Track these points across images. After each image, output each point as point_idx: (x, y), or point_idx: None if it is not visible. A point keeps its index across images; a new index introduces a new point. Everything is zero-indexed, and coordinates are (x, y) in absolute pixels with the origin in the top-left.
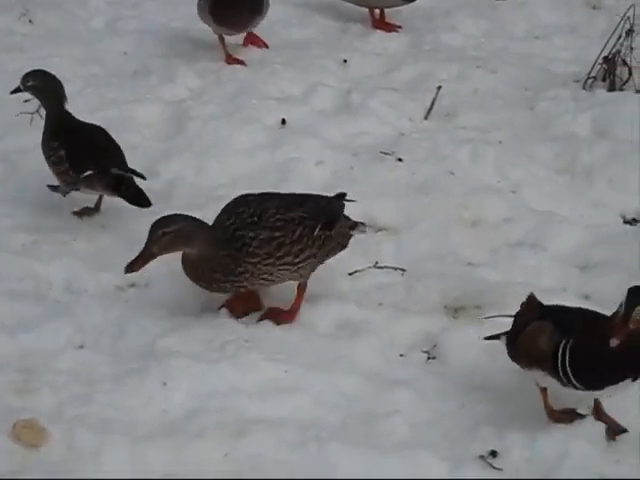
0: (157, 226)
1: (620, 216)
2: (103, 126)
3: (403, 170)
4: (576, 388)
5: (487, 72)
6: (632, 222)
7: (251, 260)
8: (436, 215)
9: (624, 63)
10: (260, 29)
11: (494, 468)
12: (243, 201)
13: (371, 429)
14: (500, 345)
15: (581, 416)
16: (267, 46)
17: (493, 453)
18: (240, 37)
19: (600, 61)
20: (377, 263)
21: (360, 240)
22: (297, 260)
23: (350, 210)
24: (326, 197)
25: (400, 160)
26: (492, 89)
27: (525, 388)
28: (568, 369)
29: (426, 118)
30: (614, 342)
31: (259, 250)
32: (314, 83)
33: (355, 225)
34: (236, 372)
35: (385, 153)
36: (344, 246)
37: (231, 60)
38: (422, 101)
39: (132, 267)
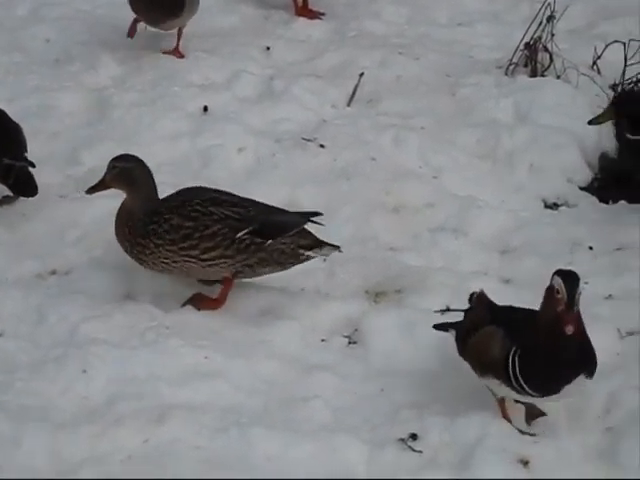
0: (114, 159)
1: (541, 200)
2: (23, 114)
3: (325, 156)
4: (532, 396)
5: (410, 59)
6: (553, 206)
7: (155, 240)
8: (358, 201)
9: (545, 49)
10: None
11: (414, 450)
12: (195, 189)
13: (291, 414)
14: (420, 329)
15: (540, 411)
16: (183, 56)
17: (413, 436)
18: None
19: (522, 47)
20: None
21: None
22: (204, 257)
23: (271, 196)
24: (283, 210)
25: (322, 146)
26: (415, 76)
27: (444, 372)
28: (520, 378)
29: (349, 104)
30: (570, 330)
31: (165, 234)
32: (237, 70)
33: (317, 245)
34: (156, 358)
35: (307, 139)
36: (283, 265)
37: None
38: (345, 88)
39: (90, 191)
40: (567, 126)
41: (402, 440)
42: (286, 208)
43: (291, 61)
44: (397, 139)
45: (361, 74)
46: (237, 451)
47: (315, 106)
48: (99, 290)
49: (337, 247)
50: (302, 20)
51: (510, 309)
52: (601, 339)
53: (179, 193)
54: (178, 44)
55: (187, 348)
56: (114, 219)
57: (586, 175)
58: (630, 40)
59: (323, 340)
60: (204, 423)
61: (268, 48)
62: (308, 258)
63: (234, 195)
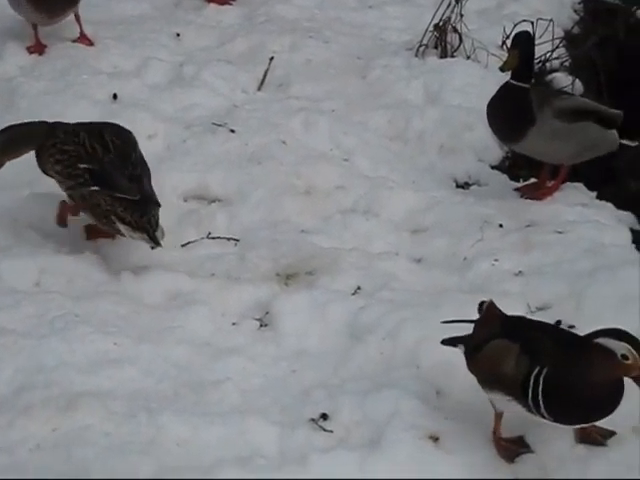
0: None
1: (452, 180)
2: None
3: (236, 141)
4: (544, 418)
5: (320, 42)
6: (464, 186)
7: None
8: (269, 184)
9: (454, 30)
10: (93, 5)
11: (325, 430)
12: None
13: (201, 397)
14: (331, 310)
15: (527, 447)
16: (92, 44)
17: (324, 416)
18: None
19: (431, 29)
20: (210, 234)
21: (193, 211)
22: (57, 168)
23: (182, 182)
24: (142, 180)
25: (233, 131)
26: (325, 59)
27: (355, 352)
28: (540, 401)
29: (259, 89)
30: None
31: (52, 149)
32: (147, 57)
33: (135, 227)
34: (65, 346)
35: (217, 125)
36: (99, 219)
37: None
38: (255, 72)
39: None
40: (477, 106)
41: (313, 420)
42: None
43: (202, 47)
44: (307, 122)
45: (271, 58)
46: (146, 436)
47: (226, 91)
48: (7, 280)
49: (155, 242)
50: (212, 6)
51: (522, 321)
52: (512, 313)
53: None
54: (82, 29)
55: (96, 335)
56: (21, 209)
57: (497, 154)
58: (538, 19)
59: (234, 324)
60: (113, 409)
61: (178, 35)
62: (118, 232)
63: (128, 146)
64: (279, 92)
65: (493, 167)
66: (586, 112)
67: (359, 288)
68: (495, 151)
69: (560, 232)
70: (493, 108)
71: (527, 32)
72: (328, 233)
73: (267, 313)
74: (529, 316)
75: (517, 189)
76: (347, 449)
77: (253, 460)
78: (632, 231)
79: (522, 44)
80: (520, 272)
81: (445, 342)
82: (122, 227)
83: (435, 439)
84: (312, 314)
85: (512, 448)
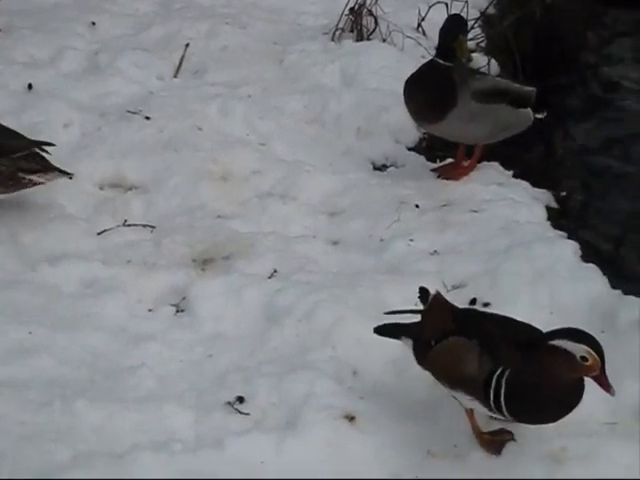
0: None
1: (370, 162)
2: None
3: (151, 128)
4: (504, 417)
5: (236, 28)
6: (382, 168)
7: None
8: (185, 171)
9: (370, 13)
10: None
11: (241, 413)
12: None
13: (117, 383)
14: (247, 294)
15: (510, 434)
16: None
17: (240, 399)
18: None
19: (347, 13)
20: (126, 221)
21: (109, 199)
22: None
23: (98, 170)
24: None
25: (148, 118)
26: (241, 45)
27: (271, 334)
28: (503, 403)
29: (175, 76)
30: (613, 392)
31: None
32: (62, 46)
33: (43, 170)
34: None
35: (133, 112)
36: (5, 187)
37: None
38: (171, 60)
39: None
40: (394, 88)
41: (229, 404)
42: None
43: (117, 35)
44: (224, 108)
45: (187, 45)
46: (61, 424)
47: (141, 79)
48: None
49: (68, 174)
50: None
51: (474, 315)
52: None
53: None
54: None
55: (11, 325)
56: None
57: (413, 136)
58: (453, 0)
59: (150, 310)
60: (28, 398)
61: (94, 23)
62: (32, 182)
63: None
64: (195, 79)
65: (410, 149)
66: (500, 93)
67: (275, 271)
68: (412, 133)
69: (475, 211)
70: (413, 87)
71: (458, 15)
72: (245, 218)
73: (183, 298)
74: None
75: (434, 170)
76: (263, 431)
77: (169, 445)
78: (548, 208)
79: (451, 23)
80: (436, 251)
81: (382, 332)
82: (34, 177)
83: (351, 419)
84: (228, 298)
85: (496, 440)
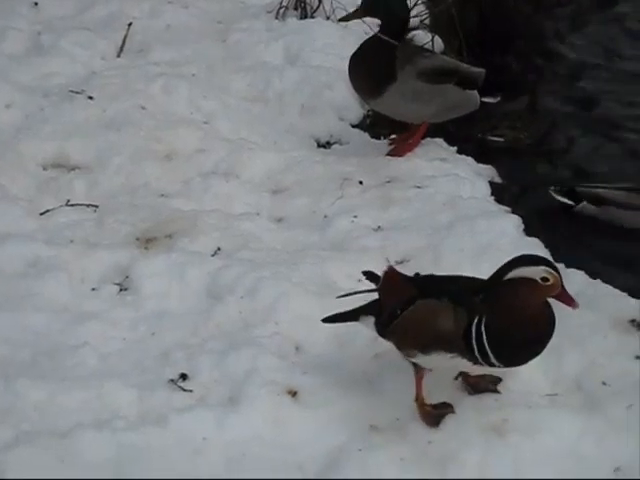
0: None
1: (314, 140)
2: None
3: (94, 108)
4: (493, 366)
5: (179, 7)
6: (326, 145)
7: None
8: (128, 150)
9: None
10: None
11: (184, 390)
12: None
13: (60, 363)
14: (190, 271)
15: (450, 407)
16: None
17: (183, 376)
18: None
19: None
20: (69, 201)
21: (52, 179)
22: None
23: (41, 151)
24: None
25: (91, 98)
26: (185, 24)
27: (214, 312)
28: (488, 350)
29: (118, 56)
30: (577, 306)
31: None
32: (4, 27)
33: None
34: None
35: (75, 92)
36: None
37: None
38: (114, 39)
39: None
40: (337, 66)
41: (172, 381)
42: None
43: (60, 15)
44: (167, 87)
45: (130, 24)
46: (4, 403)
47: (84, 59)
48: None
49: None
50: None
51: (434, 278)
52: (372, 268)
53: None
54: None
55: None
56: None
57: (357, 113)
58: None
59: (93, 289)
60: None
61: (36, 4)
62: None
63: None
64: (138, 58)
65: (354, 126)
66: (447, 72)
67: (219, 249)
68: (356, 110)
69: (419, 187)
70: (356, 61)
71: None
72: (188, 196)
73: (127, 277)
74: None
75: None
76: (206, 407)
77: (112, 422)
78: (491, 184)
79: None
80: (379, 227)
81: (332, 320)
82: None
83: (293, 394)
84: (171, 276)
85: (435, 412)
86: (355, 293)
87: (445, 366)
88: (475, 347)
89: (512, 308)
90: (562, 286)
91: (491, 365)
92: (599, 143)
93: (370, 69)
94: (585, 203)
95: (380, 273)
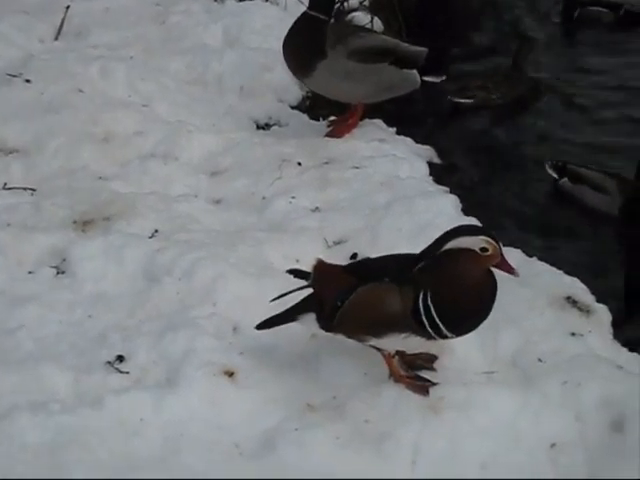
0: None
1: (253, 122)
2: None
3: (32, 91)
4: (446, 338)
5: None
6: (265, 127)
7: None
8: (66, 133)
9: None
10: None
11: (121, 372)
12: None
13: None
14: (128, 253)
15: (430, 381)
16: None
17: (120, 358)
18: None
19: None
20: (6, 185)
21: None
22: None
23: None
24: None
25: (28, 81)
26: (123, 6)
27: (152, 293)
28: (439, 323)
29: (56, 39)
30: (517, 274)
31: None
32: None
33: None
34: None
35: (12, 75)
36: None
37: None
38: (52, 22)
39: None
40: (276, 47)
41: (109, 363)
42: None
43: None
44: (105, 70)
45: (67, 7)
46: None
47: (22, 42)
48: None
49: None
50: None
51: (370, 261)
52: (310, 249)
53: None
54: None
55: None
56: None
57: (296, 94)
58: None
59: (30, 272)
60: None
61: None
62: None
63: None
64: (76, 41)
65: (293, 107)
66: (383, 52)
67: (156, 231)
68: (295, 91)
69: (357, 167)
70: (288, 39)
71: None
72: (126, 179)
73: (64, 260)
74: (327, 251)
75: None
76: (142, 389)
77: (47, 405)
78: (430, 164)
79: None
80: (317, 208)
81: (267, 325)
82: None
83: (230, 374)
84: (108, 259)
85: (420, 383)
86: (289, 293)
87: (400, 346)
88: (426, 322)
89: (454, 279)
90: (501, 255)
91: (444, 337)
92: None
93: (301, 46)
94: (566, 179)
95: (307, 268)
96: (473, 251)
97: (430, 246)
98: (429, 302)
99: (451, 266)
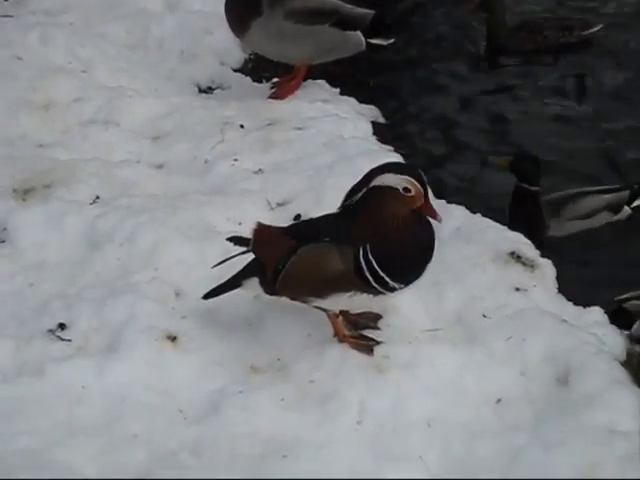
0: None
1: (195, 85)
2: None
3: None
4: (394, 290)
5: None
6: (207, 90)
7: None
8: (4, 101)
9: None
10: None
11: (62, 340)
12: None
13: None
14: (69, 220)
15: (374, 340)
16: None
17: (61, 326)
18: None
19: None
20: None
21: None
22: None
23: None
24: None
25: None
26: None
27: (92, 262)
28: (384, 276)
29: None
30: (440, 219)
31: None
32: None
33: None
34: None
35: None
36: None
37: None
38: None
39: None
40: (217, 10)
41: (51, 331)
42: None
43: None
44: (44, 37)
45: None
46: None
47: None
48: None
49: None
50: None
51: (307, 223)
52: (253, 211)
53: None
54: None
55: None
56: None
57: (239, 57)
58: None
59: None
60: None
61: None
62: None
63: None
64: (15, 8)
65: (236, 70)
66: (323, 13)
67: (98, 197)
68: (237, 54)
69: (300, 128)
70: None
71: None
72: (67, 146)
73: (4, 229)
74: (270, 213)
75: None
76: (84, 356)
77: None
78: (374, 124)
79: None
80: (260, 170)
81: (214, 294)
82: None
83: (173, 339)
84: (49, 227)
85: (364, 342)
86: (230, 258)
87: (345, 306)
88: (370, 278)
89: (382, 223)
90: (426, 198)
91: (392, 290)
92: None
93: (239, 4)
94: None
95: (248, 233)
96: (396, 190)
97: (358, 183)
98: (370, 256)
99: (375, 204)
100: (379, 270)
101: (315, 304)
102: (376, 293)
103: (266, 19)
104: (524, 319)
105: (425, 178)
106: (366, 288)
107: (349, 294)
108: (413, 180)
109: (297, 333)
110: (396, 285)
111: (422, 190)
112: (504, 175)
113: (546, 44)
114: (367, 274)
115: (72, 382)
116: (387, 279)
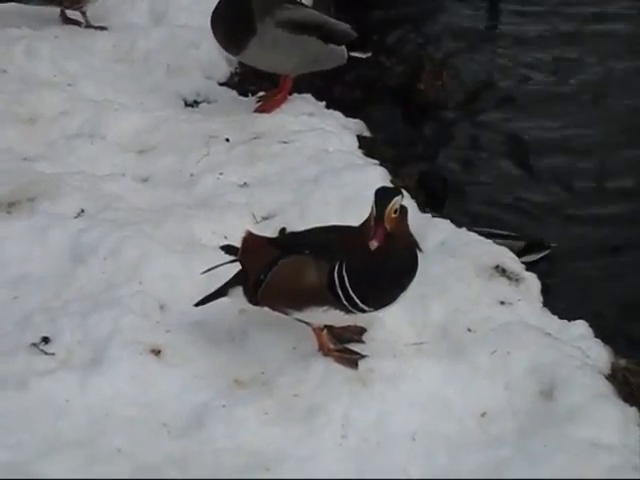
0: None
1: (181, 99)
2: None
3: None
4: (364, 311)
5: None
6: (193, 104)
7: None
8: None
9: None
10: None
11: (46, 353)
12: None
13: None
14: (52, 234)
15: (358, 354)
16: None
17: (45, 339)
18: None
19: None
20: None
21: None
22: None
23: None
24: None
25: None
26: None
27: (76, 275)
28: (352, 294)
29: None
30: (373, 245)
31: None
32: None
33: None
34: None
35: None
36: None
37: None
38: None
39: None
40: (203, 24)
41: (34, 345)
42: None
43: None
44: (29, 50)
45: None
46: None
47: None
48: None
49: None
50: None
51: (291, 235)
52: (238, 224)
53: None
54: None
55: None
56: None
57: (225, 71)
58: None
59: None
60: None
61: None
62: None
63: None
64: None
65: (221, 84)
66: (310, 25)
67: (82, 211)
68: (223, 68)
69: (285, 142)
70: (216, 17)
71: None
72: (52, 159)
73: None
74: (255, 227)
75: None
76: (68, 370)
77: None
78: (359, 137)
79: None
80: (245, 183)
81: (205, 301)
82: None
83: (157, 352)
84: (33, 240)
85: (348, 356)
86: (218, 266)
87: (322, 320)
88: (341, 295)
89: (356, 237)
90: (376, 219)
91: (361, 311)
92: None
93: (229, 23)
94: None
95: (236, 244)
96: (371, 209)
97: None
98: (344, 273)
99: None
100: (349, 290)
101: (294, 316)
102: (347, 311)
103: (260, 35)
104: (509, 333)
105: (392, 200)
106: (338, 304)
107: (323, 308)
108: (373, 200)
109: (281, 347)
110: (365, 308)
111: (374, 211)
112: (493, 187)
113: None
114: (339, 290)
115: (55, 396)
116: (355, 299)
